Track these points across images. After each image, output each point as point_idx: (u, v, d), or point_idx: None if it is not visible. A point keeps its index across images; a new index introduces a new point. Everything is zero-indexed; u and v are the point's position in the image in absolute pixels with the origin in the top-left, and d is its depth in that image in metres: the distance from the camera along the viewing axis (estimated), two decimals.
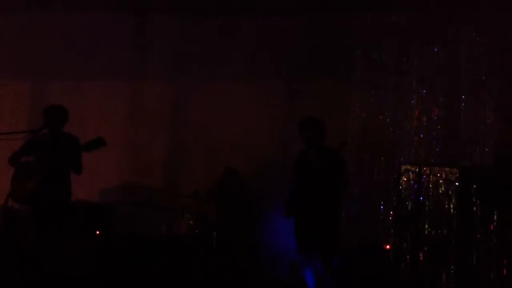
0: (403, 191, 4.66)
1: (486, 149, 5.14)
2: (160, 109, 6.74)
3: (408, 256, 4.54)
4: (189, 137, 6.63)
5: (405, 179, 4.66)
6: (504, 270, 4.14)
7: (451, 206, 4.34)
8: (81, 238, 5.58)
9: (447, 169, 4.41)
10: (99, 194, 6.58)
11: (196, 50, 6.66)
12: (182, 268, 5.42)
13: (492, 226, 4.20)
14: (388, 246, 4.82)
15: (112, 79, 6.84)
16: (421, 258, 4.47)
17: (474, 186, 4.30)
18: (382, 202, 5.06)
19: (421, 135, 5.09)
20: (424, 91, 5.27)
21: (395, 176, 4.83)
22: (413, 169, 4.63)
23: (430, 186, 4.47)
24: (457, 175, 4.35)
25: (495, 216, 4.18)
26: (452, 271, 4.29)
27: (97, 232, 5.88)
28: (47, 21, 6.85)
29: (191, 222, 5.73)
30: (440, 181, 4.41)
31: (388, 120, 5.35)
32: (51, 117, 5.05)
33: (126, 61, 6.82)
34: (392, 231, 4.76)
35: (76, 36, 6.86)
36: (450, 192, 4.36)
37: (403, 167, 4.71)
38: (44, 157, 4.98)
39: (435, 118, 5.11)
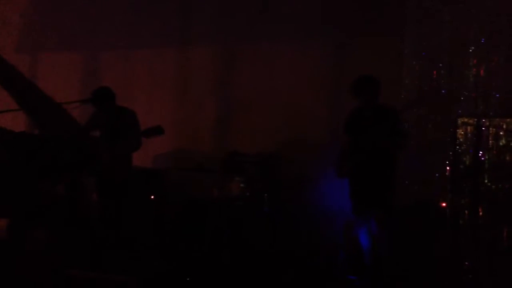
0: (460, 145, 4.43)
1: None
2: (208, 73, 6.72)
3: (466, 212, 4.34)
4: (237, 100, 6.58)
5: (462, 132, 4.42)
6: None
7: None
8: (137, 203, 5.71)
9: (508, 119, 4.14)
10: (152, 160, 6.68)
11: (241, 12, 6.54)
12: (235, 230, 5.44)
13: None
14: (444, 204, 4.63)
15: (160, 46, 6.87)
16: (481, 214, 4.26)
17: None
18: (438, 158, 4.82)
19: (480, 86, 4.78)
20: (483, 39, 4.93)
21: (452, 130, 4.59)
22: (471, 121, 4.38)
23: (490, 138, 4.21)
24: None
25: None
26: None
27: (152, 197, 5.99)
28: None
29: (242, 185, 5.72)
30: (501, 133, 4.15)
31: (443, 71, 5.05)
32: (96, 100, 5.27)
33: (172, 27, 6.82)
34: (449, 187, 4.55)
35: (123, 5, 6.90)
36: (511, 144, 4.10)
37: (460, 120, 4.46)
38: (106, 133, 5.30)
39: (495, 67, 4.78)
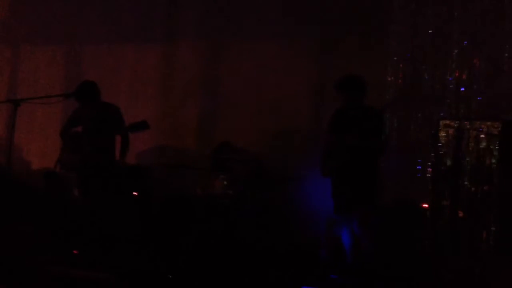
0: (442, 147, 4.49)
1: None
2: (193, 69, 6.70)
3: (446, 214, 4.41)
4: (222, 97, 6.58)
5: (444, 134, 4.48)
6: None
7: (493, 161, 4.16)
8: (120, 199, 5.68)
9: (489, 122, 4.21)
10: (136, 157, 6.65)
11: (227, 8, 6.53)
12: (217, 228, 5.44)
13: None
14: (425, 205, 4.69)
15: (145, 41, 6.83)
16: (461, 215, 4.33)
17: None
18: (419, 160, 4.89)
19: (462, 89, 4.85)
20: (466, 42, 4.99)
21: (434, 131, 4.65)
22: (452, 124, 4.44)
23: (471, 141, 4.28)
24: (500, 128, 4.15)
25: None
26: (492, 229, 4.14)
27: (135, 193, 5.96)
28: None
29: (225, 183, 5.73)
30: (482, 136, 4.22)
31: (426, 73, 5.11)
32: (81, 95, 5.20)
33: (158, 21, 6.78)
34: (430, 188, 4.61)
35: None
36: (491, 147, 4.17)
37: (442, 122, 4.52)
38: (89, 129, 5.25)
39: (477, 70, 4.84)
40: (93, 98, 5.26)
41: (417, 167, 4.87)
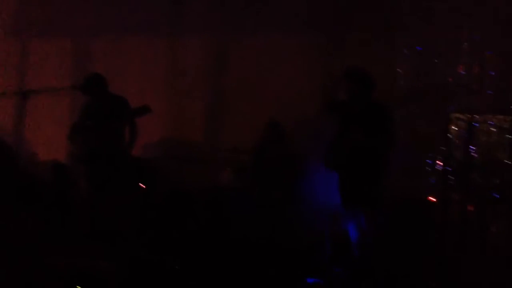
0: (452, 140, 4.45)
1: None
2: (201, 62, 6.69)
3: (457, 208, 4.37)
4: (229, 90, 6.57)
5: (455, 128, 4.44)
6: None
7: (504, 154, 4.12)
8: (126, 192, 5.68)
9: (500, 116, 4.17)
10: (142, 149, 6.63)
11: (233, 3, 6.52)
12: (223, 221, 5.42)
13: None
14: (435, 199, 4.64)
15: (152, 34, 6.81)
16: (471, 209, 4.29)
17: None
18: (429, 154, 4.84)
19: (473, 83, 4.81)
20: (477, 36, 4.95)
21: (444, 125, 4.61)
22: (463, 117, 4.40)
23: (482, 134, 4.25)
24: (511, 122, 4.11)
25: None
26: (504, 222, 4.10)
27: (141, 185, 5.96)
28: None
29: (232, 175, 5.71)
30: (493, 129, 4.18)
31: (437, 67, 5.07)
32: (89, 87, 5.19)
33: (165, 15, 6.77)
34: (440, 182, 4.57)
35: None
36: (503, 140, 4.13)
37: (453, 116, 4.48)
38: (98, 121, 5.24)
39: (489, 64, 4.80)
40: (100, 90, 5.26)
41: (427, 161, 4.82)
